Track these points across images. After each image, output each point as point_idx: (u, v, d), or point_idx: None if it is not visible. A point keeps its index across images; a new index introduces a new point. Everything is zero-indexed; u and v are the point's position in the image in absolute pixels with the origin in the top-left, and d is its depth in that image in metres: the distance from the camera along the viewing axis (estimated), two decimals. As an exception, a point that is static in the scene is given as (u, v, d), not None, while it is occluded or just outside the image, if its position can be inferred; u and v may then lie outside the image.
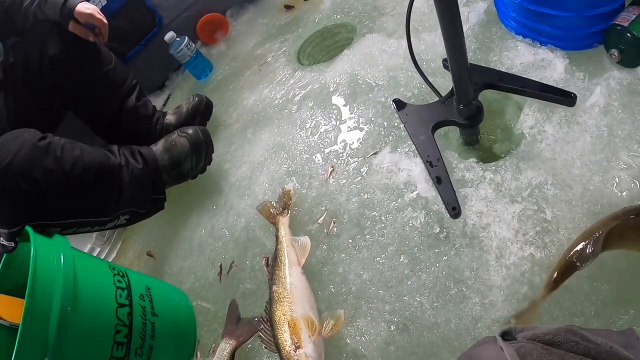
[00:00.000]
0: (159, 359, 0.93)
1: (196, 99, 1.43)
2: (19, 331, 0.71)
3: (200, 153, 1.24)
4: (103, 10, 1.50)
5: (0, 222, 0.92)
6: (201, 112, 1.43)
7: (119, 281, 0.93)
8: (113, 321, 0.86)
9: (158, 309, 0.97)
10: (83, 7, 1.16)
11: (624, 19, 0.88)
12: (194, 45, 1.61)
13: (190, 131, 1.23)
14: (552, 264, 0.76)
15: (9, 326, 0.87)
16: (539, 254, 0.78)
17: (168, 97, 1.76)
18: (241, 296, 1.04)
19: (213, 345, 1.00)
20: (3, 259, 0.93)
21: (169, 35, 1.55)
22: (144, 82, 1.39)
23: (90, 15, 1.17)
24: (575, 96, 0.90)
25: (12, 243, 0.93)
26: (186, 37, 1.58)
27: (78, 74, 1.24)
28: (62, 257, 0.82)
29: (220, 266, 1.11)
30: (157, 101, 1.75)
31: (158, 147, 1.22)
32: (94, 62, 1.26)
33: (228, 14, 1.80)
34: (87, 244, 1.34)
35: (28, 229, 0.88)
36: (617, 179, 0.80)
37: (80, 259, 0.88)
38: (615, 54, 0.90)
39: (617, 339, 0.50)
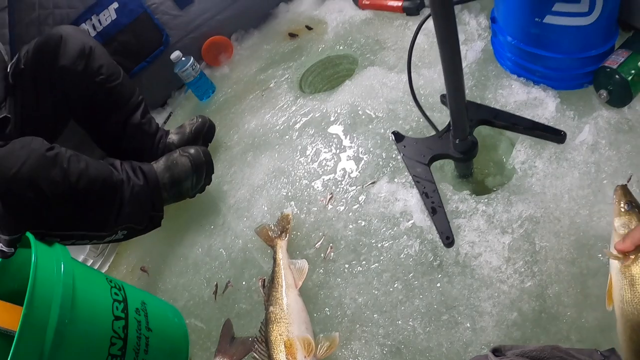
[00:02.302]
0: None
1: (199, 120, 1.50)
2: (15, 337, 0.72)
3: (201, 173, 1.30)
4: (112, 24, 1.64)
5: (3, 228, 0.95)
6: (204, 134, 1.49)
7: (115, 294, 0.96)
8: (109, 334, 0.88)
9: (153, 325, 1.00)
10: None
11: (613, 61, 0.97)
12: (198, 65, 1.69)
13: (192, 151, 1.29)
14: (540, 292, 0.82)
15: (2, 332, 0.88)
16: (528, 283, 0.84)
17: (169, 115, 1.83)
18: (236, 316, 1.08)
19: None
20: None
21: (175, 54, 1.64)
22: (146, 98, 1.46)
23: None
24: (565, 134, 0.99)
25: (12, 249, 0.96)
26: (192, 58, 1.67)
27: (86, 86, 1.29)
28: (62, 266, 0.85)
29: (216, 285, 1.16)
30: (158, 118, 1.81)
31: (159, 165, 1.27)
32: (102, 75, 1.31)
33: (233, 38, 1.90)
34: (81, 255, 1.37)
35: (29, 235, 0.91)
36: (603, 213, 0.87)
37: (79, 269, 0.91)
38: (604, 94, 0.99)
39: (599, 357, 0.56)
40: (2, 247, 0.95)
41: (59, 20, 1.54)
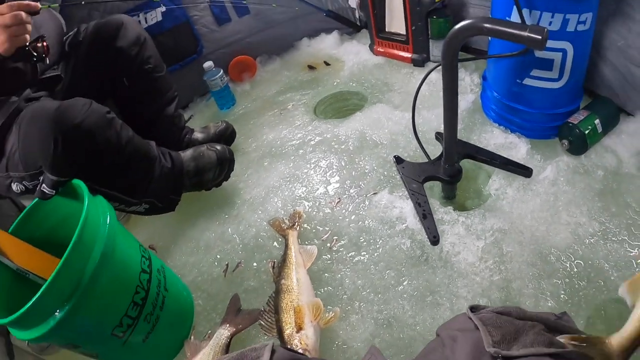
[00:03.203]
0: (160, 332, 1.03)
1: (224, 124, 1.69)
2: (61, 261, 0.80)
3: (224, 168, 1.45)
4: (156, 25, 1.81)
5: (53, 169, 1.01)
6: (226, 137, 1.68)
7: (143, 251, 1.05)
8: (135, 282, 0.96)
9: (169, 287, 1.09)
10: None
11: (575, 118, 1.26)
12: (226, 78, 1.92)
13: (218, 147, 1.45)
14: (505, 285, 1.04)
15: (15, 269, 0.94)
16: (496, 277, 1.06)
17: (190, 118, 2.01)
18: (244, 292, 1.20)
19: (209, 332, 1.13)
20: (29, 206, 1.04)
21: (208, 63, 1.86)
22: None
23: None
24: (532, 170, 1.26)
25: (53, 192, 1.03)
26: (221, 70, 1.89)
27: (135, 71, 1.42)
28: (108, 214, 0.96)
29: (227, 265, 1.28)
30: None
31: (186, 155, 1.41)
32: (150, 65, 1.45)
33: (258, 60, 2.15)
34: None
35: (80, 183, 0.99)
36: (557, 231, 1.12)
37: (116, 222, 0.99)
38: (566, 143, 1.28)
39: (554, 317, 0.70)
40: (44, 187, 1.03)
41: (109, 10, 1.69)
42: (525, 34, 0.81)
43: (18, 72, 1.14)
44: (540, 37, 0.80)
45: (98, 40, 1.37)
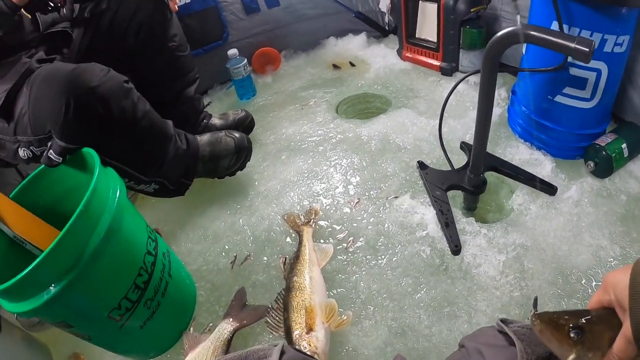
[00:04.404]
0: (160, 319, 0.99)
1: (243, 113, 1.67)
2: (63, 230, 0.74)
3: (240, 156, 1.41)
4: (184, 7, 1.79)
5: (62, 134, 0.96)
6: (244, 127, 1.66)
7: (150, 232, 1.00)
8: (139, 264, 0.91)
9: (173, 273, 1.05)
10: None
11: (602, 140, 1.26)
12: (249, 67, 1.91)
13: (237, 135, 1.41)
14: (525, 302, 1.04)
15: (12, 237, 0.89)
16: (516, 293, 1.06)
17: (208, 104, 1.99)
18: (251, 286, 1.17)
19: (210, 324, 1.10)
20: (34, 172, 0.99)
21: (233, 51, 1.86)
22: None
23: None
24: (556, 188, 1.25)
25: (60, 159, 0.98)
26: (245, 59, 1.89)
27: (158, 47, 1.37)
28: (118, 188, 0.90)
29: (235, 256, 1.25)
30: None
31: (203, 139, 1.36)
32: (174, 43, 1.41)
33: (283, 53, 2.15)
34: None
35: (92, 151, 0.95)
36: (579, 252, 1.11)
37: (126, 198, 0.94)
38: (591, 165, 1.27)
39: None
40: (51, 153, 0.99)
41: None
42: (573, 45, 0.80)
43: (18, 25, 1.09)
44: (587, 49, 0.79)
45: (123, 12, 1.30)
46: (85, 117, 0.97)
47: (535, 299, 0.59)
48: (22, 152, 1.05)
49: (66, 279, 0.76)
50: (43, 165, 1.01)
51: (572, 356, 0.50)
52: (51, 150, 0.98)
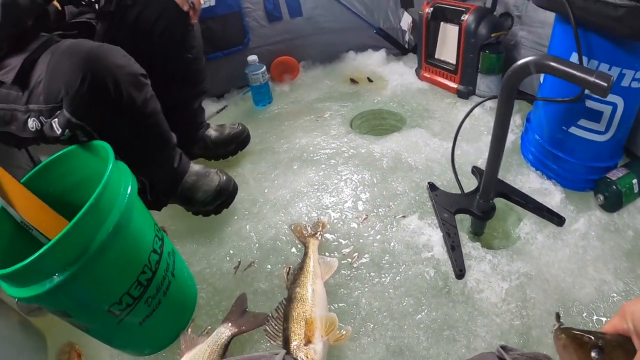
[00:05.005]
0: (159, 318, 0.99)
1: (240, 127, 1.67)
2: (73, 221, 0.75)
3: (218, 198, 1.37)
4: (208, 10, 1.83)
5: (72, 104, 0.96)
6: (239, 141, 1.67)
7: (157, 231, 1.01)
8: (143, 261, 0.92)
9: (176, 273, 1.06)
10: None
11: (614, 174, 1.27)
12: (267, 75, 1.94)
13: (225, 178, 1.39)
14: (525, 331, 1.04)
15: (19, 221, 0.89)
16: (517, 322, 1.06)
17: (223, 108, 2.03)
18: (252, 293, 1.18)
19: (209, 327, 1.10)
20: (47, 160, 0.99)
21: (253, 57, 1.89)
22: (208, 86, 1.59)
23: None
24: (564, 219, 1.26)
25: (60, 131, 0.97)
26: (264, 66, 1.92)
27: (176, 54, 1.39)
28: (130, 185, 0.91)
29: (239, 262, 1.26)
30: (211, 107, 2.02)
31: (194, 167, 1.36)
32: (191, 55, 1.42)
33: (301, 64, 2.18)
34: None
35: (106, 145, 0.95)
36: (582, 285, 1.12)
37: (136, 194, 0.94)
38: (601, 198, 1.28)
39: None
40: (55, 122, 0.98)
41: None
42: (592, 79, 0.81)
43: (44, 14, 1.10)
44: (606, 84, 0.80)
45: (149, 11, 1.32)
46: (97, 94, 0.97)
47: (558, 314, 0.61)
48: (31, 123, 1.03)
49: (70, 270, 0.77)
50: (56, 154, 1.01)
51: None
52: (56, 119, 0.98)
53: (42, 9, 1.06)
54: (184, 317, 1.13)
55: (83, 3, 1.06)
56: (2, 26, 0.99)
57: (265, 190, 1.52)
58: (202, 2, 1.41)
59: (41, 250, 0.73)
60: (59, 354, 1.14)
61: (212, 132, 1.64)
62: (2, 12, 0.98)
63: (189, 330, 1.10)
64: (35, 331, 1.16)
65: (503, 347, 0.72)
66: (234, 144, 1.67)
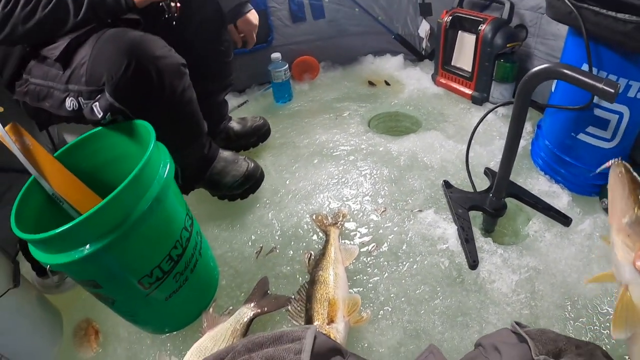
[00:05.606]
0: (184, 295, 1.03)
1: (261, 120, 1.76)
2: (114, 192, 0.77)
3: (246, 183, 1.45)
4: None
5: (115, 89, 0.99)
6: (260, 133, 1.75)
7: (188, 210, 1.05)
8: (175, 237, 0.95)
9: (202, 252, 1.10)
10: (253, 16, 1.44)
11: (618, 181, 1.35)
12: (289, 72, 2.02)
13: (252, 164, 1.47)
14: (533, 320, 1.12)
15: (50, 194, 0.91)
16: (526, 311, 1.14)
17: (244, 102, 2.12)
18: (274, 276, 1.23)
19: (230, 307, 1.16)
20: (81, 137, 1.02)
21: (276, 55, 1.98)
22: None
23: (254, 27, 1.48)
24: (571, 220, 1.34)
25: (101, 114, 1.01)
26: (287, 63, 2.01)
27: (208, 48, 1.44)
28: (168, 165, 0.95)
29: (261, 247, 1.32)
30: (233, 101, 2.10)
31: (223, 153, 1.42)
32: (223, 48, 1.48)
33: (321, 64, 2.27)
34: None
35: (148, 125, 0.98)
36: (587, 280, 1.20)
37: (172, 175, 0.97)
38: (605, 202, 1.36)
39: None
40: (96, 106, 1.00)
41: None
42: (600, 85, 0.89)
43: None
44: (613, 90, 0.88)
45: (191, 3, 1.36)
46: (140, 81, 1.00)
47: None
48: (69, 102, 1.05)
49: (107, 239, 0.78)
50: (89, 132, 1.05)
51: (630, 213, 0.55)
52: (97, 103, 1.01)
53: (124, 14, 1.11)
54: (207, 296, 1.17)
55: (165, 17, 1.10)
56: (79, 23, 1.04)
57: (287, 182, 1.60)
58: (254, 39, 1.52)
59: (82, 217, 0.75)
60: (76, 330, 1.18)
61: (234, 125, 1.71)
62: (86, 10, 1.02)
63: (211, 309, 1.13)
64: (52, 308, 1.19)
65: (517, 323, 0.79)
66: (256, 136, 1.74)
